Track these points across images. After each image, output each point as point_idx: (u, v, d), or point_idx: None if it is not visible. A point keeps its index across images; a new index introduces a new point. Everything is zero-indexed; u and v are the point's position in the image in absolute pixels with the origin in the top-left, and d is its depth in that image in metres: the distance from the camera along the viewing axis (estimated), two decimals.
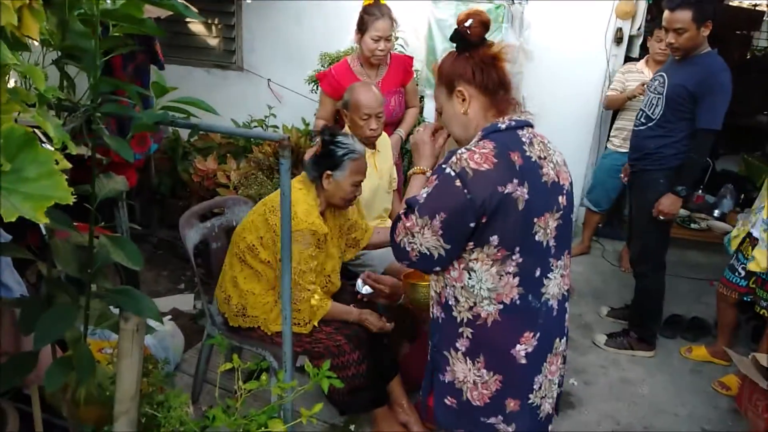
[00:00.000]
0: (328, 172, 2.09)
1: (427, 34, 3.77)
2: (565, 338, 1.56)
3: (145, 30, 1.30)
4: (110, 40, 1.29)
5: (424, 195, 1.39)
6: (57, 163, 0.85)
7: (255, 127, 4.29)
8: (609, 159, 3.92)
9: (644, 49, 4.42)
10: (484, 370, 1.43)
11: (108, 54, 1.34)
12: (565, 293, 1.53)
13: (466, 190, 1.31)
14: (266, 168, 3.56)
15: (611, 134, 3.99)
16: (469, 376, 1.45)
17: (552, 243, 1.42)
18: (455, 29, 1.44)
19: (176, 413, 1.56)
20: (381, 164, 2.83)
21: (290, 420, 1.57)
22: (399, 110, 3.06)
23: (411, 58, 3.19)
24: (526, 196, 1.33)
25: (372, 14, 2.84)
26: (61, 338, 1.43)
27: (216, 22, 4.81)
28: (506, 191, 1.32)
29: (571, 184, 1.50)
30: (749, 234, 2.80)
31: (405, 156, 3.59)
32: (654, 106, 2.85)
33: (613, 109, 3.93)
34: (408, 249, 1.41)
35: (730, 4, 7.73)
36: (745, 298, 2.87)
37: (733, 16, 6.93)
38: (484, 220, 1.33)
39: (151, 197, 4.13)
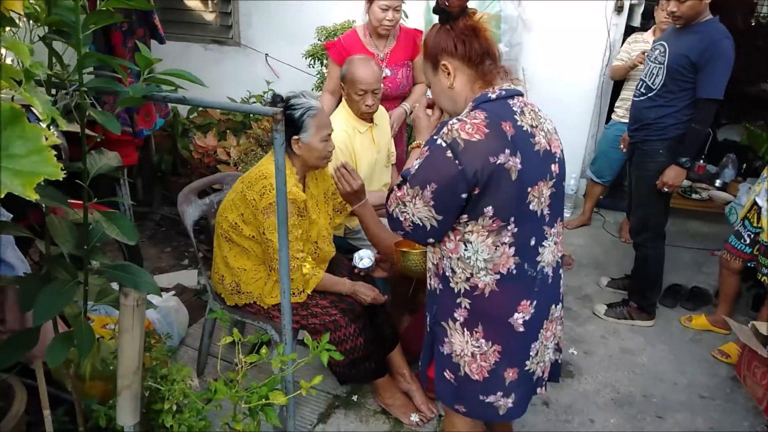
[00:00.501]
0: (294, 137, 2.06)
1: (424, 9, 3.71)
2: (561, 305, 1.58)
3: (133, 4, 1.28)
4: (97, 14, 1.27)
5: (416, 166, 1.38)
6: (46, 140, 0.85)
7: (253, 102, 4.26)
8: (612, 130, 3.89)
9: (645, 18, 4.36)
10: (483, 341, 1.45)
11: (100, 28, 1.33)
12: (559, 260, 1.54)
13: (457, 161, 1.31)
14: (266, 144, 3.55)
15: (615, 105, 3.95)
16: (466, 348, 1.46)
17: (546, 211, 1.43)
18: (435, 2, 1.42)
19: (179, 386, 1.59)
20: (379, 138, 2.81)
21: (291, 392, 1.59)
22: (406, 83, 3.03)
23: (420, 32, 3.14)
24: (519, 166, 1.33)
25: None
26: (61, 314, 1.46)
27: None
28: (498, 161, 1.31)
29: (562, 151, 1.50)
30: (755, 202, 2.80)
31: (408, 130, 3.57)
32: (654, 76, 2.82)
33: (618, 79, 3.88)
34: (401, 219, 1.43)
35: None
36: (748, 264, 2.87)
37: None
38: (476, 192, 1.33)
39: (152, 175, 4.13)
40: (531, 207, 1.39)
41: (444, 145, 1.32)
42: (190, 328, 2.76)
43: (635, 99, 2.93)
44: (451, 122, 1.35)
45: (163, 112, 3.62)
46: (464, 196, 1.33)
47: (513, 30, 3.60)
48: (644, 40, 3.69)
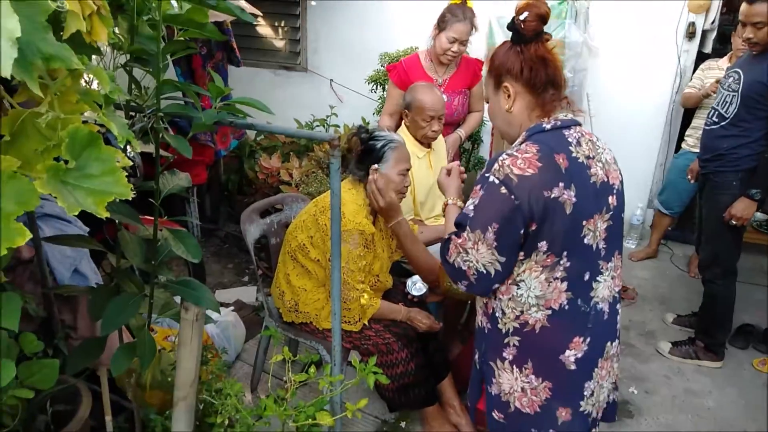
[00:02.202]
0: (374, 166, 2.08)
1: (488, 32, 3.72)
2: (617, 341, 1.51)
3: (207, 34, 1.37)
4: (174, 44, 1.37)
5: (471, 208, 1.35)
6: (119, 161, 0.92)
7: (317, 126, 4.38)
8: (682, 159, 3.74)
9: (722, 44, 4.21)
10: (533, 376, 1.41)
11: (174, 55, 1.43)
12: (616, 295, 1.48)
13: (513, 196, 1.28)
14: (326, 166, 3.64)
15: (686, 133, 3.80)
16: (515, 385, 1.43)
17: (602, 245, 1.38)
18: (511, 19, 1.41)
19: (232, 401, 1.63)
20: (436, 163, 2.83)
21: (338, 413, 1.61)
22: (462, 111, 3.05)
23: (481, 63, 3.16)
24: (574, 199, 1.30)
25: (455, 15, 2.81)
26: (127, 325, 1.54)
27: (282, 24, 4.95)
28: (552, 195, 1.28)
29: (621, 182, 1.45)
30: None
31: (463, 155, 3.58)
32: (728, 104, 2.70)
33: (689, 107, 3.74)
34: (464, 268, 1.36)
35: None
36: None
37: None
38: (533, 228, 1.29)
39: (219, 193, 4.31)
40: (586, 241, 1.35)
41: (497, 182, 1.30)
42: (247, 344, 2.84)
43: (707, 128, 2.82)
44: (501, 158, 1.32)
45: (237, 133, 3.79)
46: (522, 231, 1.30)
47: (578, 56, 3.55)
48: (719, 67, 3.56)
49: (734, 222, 2.66)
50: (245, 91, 4.50)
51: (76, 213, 0.79)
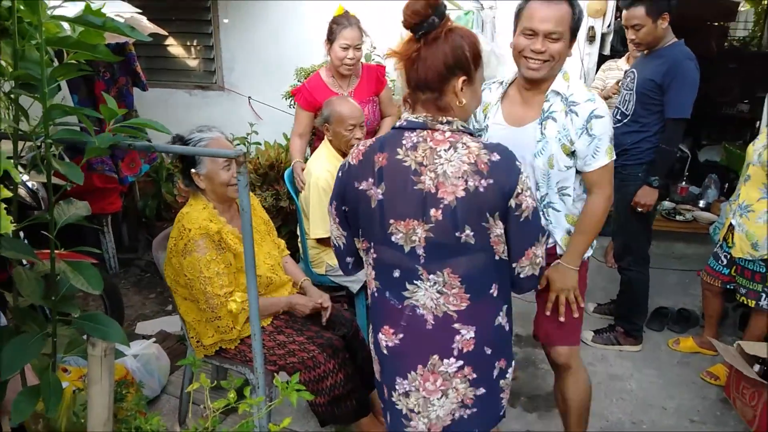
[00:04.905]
0: (193, 171, 2.05)
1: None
2: (459, 363, 1.43)
3: (99, 56, 1.31)
4: (62, 68, 1.30)
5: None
6: None
7: (237, 144, 4.31)
8: None
9: (624, 45, 4.46)
10: (372, 345, 1.57)
11: (81, 78, 1.36)
12: (451, 314, 1.40)
13: (342, 178, 1.47)
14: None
15: None
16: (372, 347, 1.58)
17: (420, 252, 1.37)
18: None
19: None
20: None
21: None
22: (374, 118, 3.09)
23: (383, 67, 3.21)
24: (380, 197, 1.38)
25: (340, 23, 2.88)
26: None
27: (195, 43, 4.85)
28: (361, 187, 1.41)
29: (462, 200, 1.32)
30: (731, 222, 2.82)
31: None
32: (627, 102, 2.88)
33: None
34: (334, 244, 1.59)
35: None
36: (728, 286, 2.88)
37: (707, 7, 6.97)
38: (347, 209, 1.47)
39: (137, 221, 4.15)
40: (394, 239, 1.39)
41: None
42: (173, 376, 2.72)
43: (613, 126, 2.97)
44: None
45: (148, 157, 3.65)
46: (344, 208, 1.48)
47: (486, 65, 3.66)
48: (618, 67, 3.78)
49: (640, 209, 2.82)
50: (159, 113, 4.37)
51: None
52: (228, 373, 2.52)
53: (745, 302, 2.79)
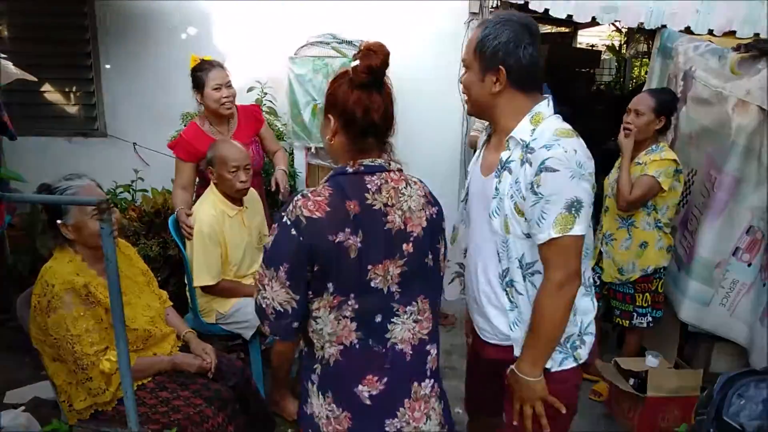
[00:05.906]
0: (59, 222, 1.94)
1: (288, 89, 3.84)
2: (430, 382, 1.51)
3: None
4: None
5: (267, 246, 1.38)
6: None
7: (121, 192, 4.12)
8: None
9: None
10: (334, 405, 1.44)
11: None
12: (425, 337, 1.49)
13: (301, 238, 1.32)
14: (132, 234, 3.41)
15: None
16: (321, 411, 1.45)
17: (395, 289, 1.41)
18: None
19: None
20: (249, 220, 2.81)
21: None
22: (258, 158, 3.10)
23: (257, 106, 3.28)
24: (359, 245, 1.34)
25: (204, 68, 2.91)
26: None
27: (74, 89, 4.63)
28: (337, 240, 1.32)
29: (425, 229, 1.44)
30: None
31: (294, 191, 3.65)
32: None
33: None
34: (264, 306, 1.38)
35: (575, 46, 8.59)
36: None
37: (575, 56, 7.73)
38: (317, 269, 1.33)
39: (8, 278, 3.80)
40: (373, 284, 1.38)
41: (289, 222, 1.33)
42: None
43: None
44: (296, 198, 1.36)
45: (8, 208, 3.39)
46: (308, 272, 1.34)
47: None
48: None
49: None
50: (37, 162, 4.10)
51: None
52: None
53: (620, 322, 3.00)
